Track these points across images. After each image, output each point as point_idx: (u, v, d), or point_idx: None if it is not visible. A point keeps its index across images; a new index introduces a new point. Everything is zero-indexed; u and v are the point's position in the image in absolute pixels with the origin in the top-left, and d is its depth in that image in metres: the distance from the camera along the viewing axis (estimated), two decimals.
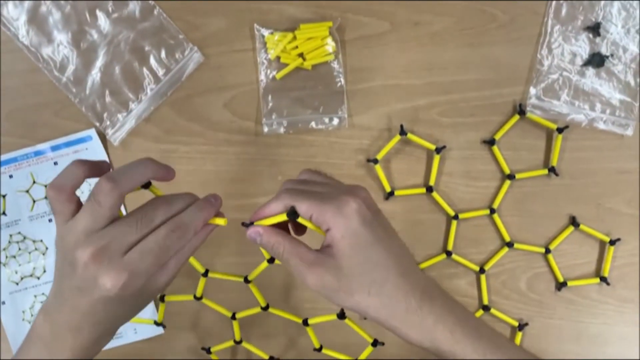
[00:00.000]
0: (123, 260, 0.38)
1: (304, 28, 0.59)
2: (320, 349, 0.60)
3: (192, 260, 0.56)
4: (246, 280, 0.57)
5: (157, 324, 0.61)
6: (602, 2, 0.58)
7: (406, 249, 0.43)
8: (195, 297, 0.59)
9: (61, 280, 0.41)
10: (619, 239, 0.60)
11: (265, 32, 0.60)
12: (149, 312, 0.63)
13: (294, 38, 0.59)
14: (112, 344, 0.64)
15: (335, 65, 0.60)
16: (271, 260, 0.52)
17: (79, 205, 0.41)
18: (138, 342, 0.64)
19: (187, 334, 0.64)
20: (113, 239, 0.39)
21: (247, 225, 0.42)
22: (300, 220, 0.41)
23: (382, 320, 0.42)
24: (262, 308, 0.58)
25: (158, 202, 0.41)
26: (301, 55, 0.60)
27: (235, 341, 0.61)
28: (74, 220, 0.40)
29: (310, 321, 0.58)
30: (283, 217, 0.41)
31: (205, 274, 0.57)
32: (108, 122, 0.61)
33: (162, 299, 0.60)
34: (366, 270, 0.41)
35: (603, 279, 0.61)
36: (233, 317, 0.60)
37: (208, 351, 0.62)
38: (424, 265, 0.61)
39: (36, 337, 0.44)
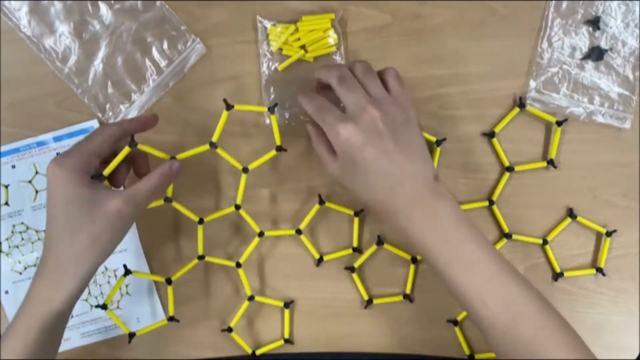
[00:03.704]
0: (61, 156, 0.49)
1: (306, 20, 0.59)
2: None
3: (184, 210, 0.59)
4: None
5: (171, 319, 0.63)
6: None
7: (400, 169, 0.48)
8: (199, 257, 0.61)
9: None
10: (615, 231, 0.61)
11: (268, 24, 0.60)
12: (159, 314, 0.64)
13: (296, 30, 0.60)
14: (111, 333, 0.65)
15: (337, 57, 0.60)
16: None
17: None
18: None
19: (191, 325, 0.65)
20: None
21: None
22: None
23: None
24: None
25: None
26: (303, 47, 0.60)
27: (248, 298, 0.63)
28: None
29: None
30: None
31: (201, 222, 0.59)
32: (110, 113, 0.61)
33: (168, 281, 0.61)
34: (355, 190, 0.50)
35: (599, 270, 0.62)
36: (238, 265, 0.62)
37: (229, 330, 0.63)
38: None
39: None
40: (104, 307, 0.59)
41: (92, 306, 0.64)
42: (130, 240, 0.63)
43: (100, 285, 0.64)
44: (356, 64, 0.51)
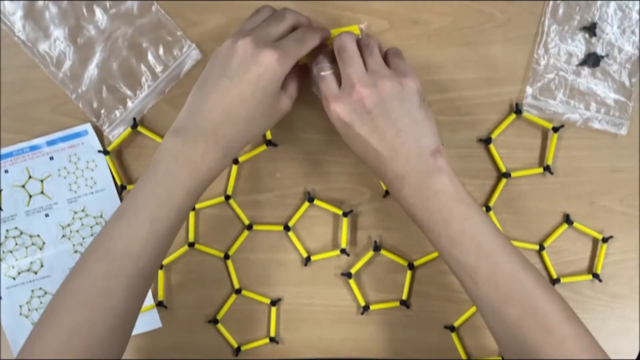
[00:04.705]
0: (275, 44, 0.48)
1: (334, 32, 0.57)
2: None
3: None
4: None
5: (159, 304, 0.63)
6: (599, 3, 0.59)
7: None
8: (189, 244, 0.59)
9: (204, 82, 0.50)
10: (611, 237, 0.61)
11: None
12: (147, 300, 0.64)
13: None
14: None
15: None
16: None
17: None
18: (136, 336, 0.64)
19: (185, 328, 0.64)
20: (264, 32, 0.50)
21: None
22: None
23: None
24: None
25: (285, 9, 0.53)
26: None
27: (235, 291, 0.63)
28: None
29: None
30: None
31: (192, 209, 0.58)
32: (105, 119, 0.61)
33: (160, 266, 0.61)
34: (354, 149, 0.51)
35: (595, 276, 0.62)
36: (226, 257, 0.63)
37: (215, 322, 0.63)
38: (421, 261, 0.62)
39: (165, 151, 0.48)
40: None
41: None
42: None
43: None
44: (363, 38, 0.52)
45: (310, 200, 0.61)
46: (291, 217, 0.62)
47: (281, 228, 0.62)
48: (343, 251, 0.62)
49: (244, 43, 0.48)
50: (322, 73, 0.51)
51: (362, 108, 0.48)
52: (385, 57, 0.52)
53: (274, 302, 0.63)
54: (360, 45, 0.51)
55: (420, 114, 0.49)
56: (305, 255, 0.62)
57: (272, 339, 0.63)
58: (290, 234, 0.62)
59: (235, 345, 0.63)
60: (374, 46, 0.51)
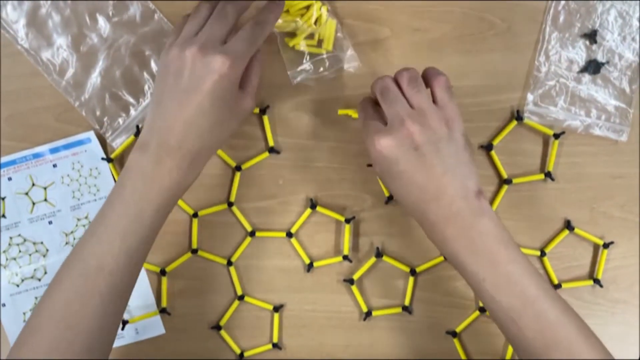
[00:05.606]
0: (225, 47, 0.47)
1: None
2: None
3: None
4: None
5: (162, 311, 0.63)
6: (599, 10, 0.59)
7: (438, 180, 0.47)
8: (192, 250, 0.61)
9: (161, 97, 0.49)
10: (612, 242, 0.61)
11: None
12: (151, 307, 0.64)
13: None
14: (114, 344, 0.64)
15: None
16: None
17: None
18: (139, 343, 0.64)
19: (189, 335, 0.65)
20: (210, 35, 0.48)
21: None
22: None
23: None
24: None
25: (225, 4, 0.50)
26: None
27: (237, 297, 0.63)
28: (178, 38, 0.49)
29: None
30: None
31: (195, 215, 0.58)
32: (108, 126, 0.61)
33: (162, 272, 0.62)
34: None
35: (596, 281, 0.62)
36: (229, 263, 0.63)
37: (218, 328, 0.63)
38: (423, 267, 0.62)
39: (132, 170, 0.48)
40: None
41: None
42: None
43: None
44: (402, 73, 0.49)
45: (313, 206, 0.61)
46: (294, 224, 0.62)
47: (284, 235, 0.62)
48: (345, 257, 0.62)
49: (192, 52, 0.47)
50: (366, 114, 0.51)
51: (410, 144, 0.46)
52: (432, 87, 0.49)
53: (277, 308, 0.63)
54: (403, 78, 0.49)
55: (465, 155, 0.48)
56: (307, 261, 0.62)
57: (275, 345, 0.63)
58: (293, 240, 0.62)
59: (239, 351, 0.64)
60: (421, 81, 0.49)
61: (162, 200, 0.48)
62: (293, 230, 0.62)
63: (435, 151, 0.46)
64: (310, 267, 0.62)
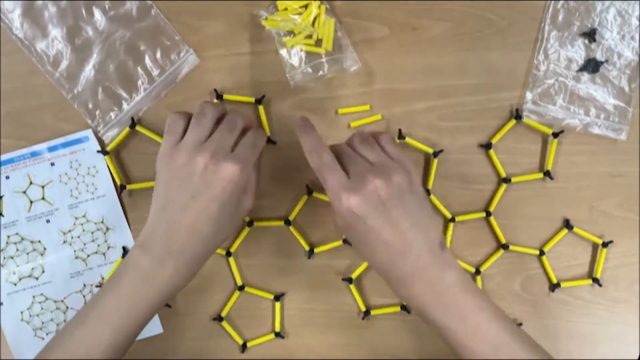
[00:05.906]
0: (234, 154, 0.48)
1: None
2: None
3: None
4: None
5: (166, 305, 0.63)
6: (599, 9, 0.59)
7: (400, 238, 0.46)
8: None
9: (166, 201, 0.49)
10: (611, 241, 0.61)
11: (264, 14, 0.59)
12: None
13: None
14: None
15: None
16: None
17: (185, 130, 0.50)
18: (138, 342, 0.64)
19: (187, 334, 0.64)
20: (221, 142, 0.49)
21: None
22: None
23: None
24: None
25: (233, 114, 0.51)
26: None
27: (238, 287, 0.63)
28: (184, 141, 0.49)
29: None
30: None
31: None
32: (100, 120, 0.61)
33: None
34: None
35: (595, 280, 0.62)
36: (228, 254, 0.63)
37: (220, 319, 0.63)
38: None
39: (131, 268, 0.49)
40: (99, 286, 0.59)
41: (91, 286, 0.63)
42: (120, 219, 0.63)
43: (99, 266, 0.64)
44: (352, 137, 0.50)
45: (309, 193, 0.61)
46: (291, 211, 0.62)
47: (282, 223, 0.62)
48: (345, 241, 0.62)
49: (204, 159, 0.47)
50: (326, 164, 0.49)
51: (377, 199, 0.45)
52: (380, 145, 0.50)
53: (278, 297, 0.63)
54: (355, 141, 0.50)
55: (427, 205, 0.48)
56: (307, 248, 0.62)
57: (277, 334, 0.63)
58: (291, 228, 0.62)
59: (241, 341, 0.63)
60: (372, 140, 0.50)
61: (158, 299, 0.49)
62: (291, 218, 0.62)
63: (401, 205, 0.46)
64: (311, 253, 0.62)
